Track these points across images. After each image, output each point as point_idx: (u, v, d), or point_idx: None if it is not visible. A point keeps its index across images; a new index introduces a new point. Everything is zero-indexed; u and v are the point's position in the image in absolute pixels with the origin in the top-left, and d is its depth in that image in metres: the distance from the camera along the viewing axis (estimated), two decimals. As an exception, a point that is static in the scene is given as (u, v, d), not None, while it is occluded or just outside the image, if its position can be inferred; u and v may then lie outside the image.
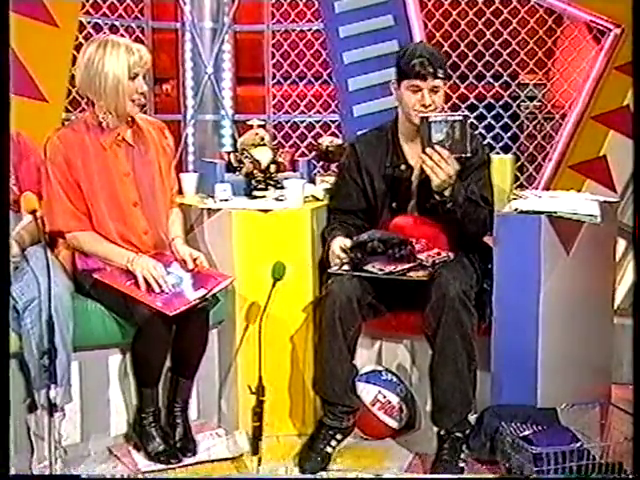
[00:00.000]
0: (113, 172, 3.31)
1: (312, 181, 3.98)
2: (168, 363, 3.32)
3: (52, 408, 2.88)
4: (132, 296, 3.17)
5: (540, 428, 3.09)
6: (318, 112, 4.95)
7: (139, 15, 4.81)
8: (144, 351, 3.23)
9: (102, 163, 3.30)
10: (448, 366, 3.18)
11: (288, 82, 4.96)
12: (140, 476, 3.19)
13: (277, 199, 3.61)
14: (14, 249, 3.11)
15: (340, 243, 3.35)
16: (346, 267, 3.31)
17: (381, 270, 3.24)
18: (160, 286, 3.18)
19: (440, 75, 3.33)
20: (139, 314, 3.16)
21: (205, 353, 3.36)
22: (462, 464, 3.19)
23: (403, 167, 3.45)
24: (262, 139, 3.83)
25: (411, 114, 3.37)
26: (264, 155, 3.76)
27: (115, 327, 3.28)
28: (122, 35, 4.68)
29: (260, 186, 3.72)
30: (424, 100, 3.33)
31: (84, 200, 3.29)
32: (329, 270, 3.35)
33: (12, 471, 2.83)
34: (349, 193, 3.52)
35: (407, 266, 3.24)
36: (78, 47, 4.47)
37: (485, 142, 4.66)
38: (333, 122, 4.89)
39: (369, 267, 3.26)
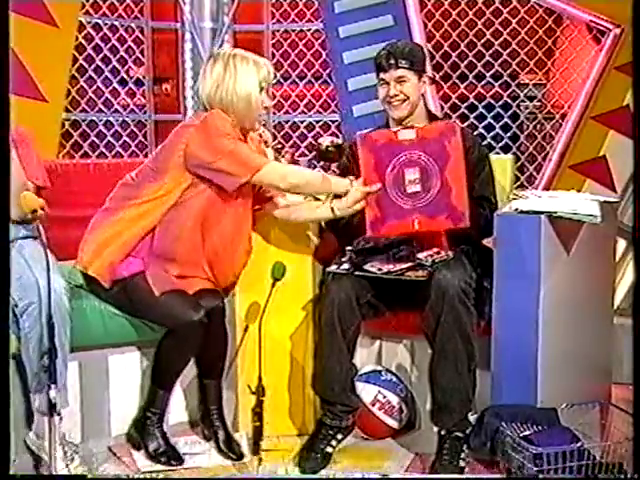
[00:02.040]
0: None
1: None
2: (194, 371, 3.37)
3: (52, 408, 2.88)
4: (169, 301, 3.17)
5: (540, 428, 3.08)
6: (318, 112, 4.96)
7: (139, 15, 4.81)
8: (172, 354, 3.22)
9: None
10: (448, 365, 3.18)
11: (288, 82, 4.96)
12: (140, 476, 3.19)
13: (277, 199, 3.60)
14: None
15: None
16: (345, 266, 3.31)
17: (380, 270, 3.24)
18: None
19: (403, 65, 3.40)
20: (175, 320, 3.16)
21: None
22: (463, 463, 3.19)
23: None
24: (266, 142, 3.83)
25: (386, 107, 3.48)
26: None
27: (114, 327, 3.29)
28: (122, 35, 4.70)
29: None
30: (390, 91, 3.42)
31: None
32: (328, 269, 3.36)
33: (12, 471, 2.83)
34: None
35: (405, 266, 3.24)
36: (78, 47, 4.53)
37: (485, 142, 4.66)
38: (333, 122, 4.90)
39: (368, 267, 3.26)
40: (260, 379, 3.13)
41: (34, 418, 3.12)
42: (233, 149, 3.18)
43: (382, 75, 3.43)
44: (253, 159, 3.22)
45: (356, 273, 3.27)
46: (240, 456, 3.31)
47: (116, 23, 4.67)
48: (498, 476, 3.11)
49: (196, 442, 3.42)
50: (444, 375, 3.19)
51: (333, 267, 3.33)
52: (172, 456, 3.25)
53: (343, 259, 3.33)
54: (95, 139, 4.74)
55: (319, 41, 4.86)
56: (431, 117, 3.54)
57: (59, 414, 3.07)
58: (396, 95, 3.42)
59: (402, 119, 3.46)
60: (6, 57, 2.68)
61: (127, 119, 4.86)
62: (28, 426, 3.15)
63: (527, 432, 3.06)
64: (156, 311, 3.20)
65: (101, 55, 4.68)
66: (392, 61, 3.40)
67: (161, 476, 3.19)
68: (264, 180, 3.24)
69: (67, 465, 3.02)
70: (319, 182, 3.29)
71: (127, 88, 4.89)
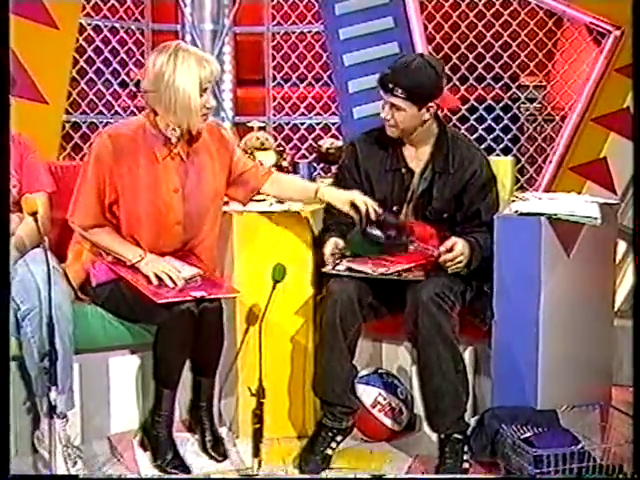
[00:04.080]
0: (162, 187, 3.22)
1: (312, 183, 3.97)
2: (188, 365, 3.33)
3: (52, 410, 2.88)
4: (155, 298, 3.11)
5: (540, 430, 3.08)
6: (318, 114, 4.96)
7: (139, 17, 4.82)
8: (165, 351, 3.20)
9: (152, 176, 3.21)
10: (433, 370, 3.18)
11: (288, 84, 4.97)
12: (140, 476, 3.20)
13: (277, 201, 3.60)
14: (13, 254, 3.08)
15: (332, 245, 3.34)
16: (341, 267, 3.31)
17: (374, 271, 3.24)
18: (172, 280, 3.15)
19: (398, 94, 3.25)
20: (161, 315, 3.13)
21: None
22: (466, 465, 3.19)
23: (403, 170, 3.43)
24: (262, 144, 3.83)
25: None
26: (268, 159, 3.76)
27: (115, 330, 3.29)
28: (122, 37, 4.70)
29: (258, 190, 3.72)
30: (382, 114, 3.32)
31: (113, 206, 3.24)
32: (323, 270, 3.35)
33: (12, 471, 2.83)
34: None
35: (400, 268, 3.24)
36: (78, 49, 4.53)
37: (485, 144, 4.66)
38: (333, 124, 4.90)
39: (363, 267, 3.26)
40: (260, 381, 3.12)
41: (40, 421, 3.12)
42: (80, 190, 3.23)
43: (382, 95, 3.31)
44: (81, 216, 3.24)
45: (352, 274, 3.27)
46: (224, 457, 3.31)
47: (117, 25, 4.68)
48: (495, 476, 3.11)
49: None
50: (430, 379, 3.19)
51: (328, 267, 3.33)
52: (179, 466, 3.21)
53: (338, 260, 3.33)
54: (96, 141, 4.74)
55: (320, 43, 4.87)
56: (440, 127, 3.43)
57: (65, 416, 3.09)
58: (388, 120, 3.32)
59: (395, 138, 3.40)
60: (6, 59, 2.68)
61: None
62: (35, 429, 3.15)
63: (527, 434, 3.06)
64: (143, 309, 3.17)
65: (102, 57, 4.69)
66: (390, 85, 3.26)
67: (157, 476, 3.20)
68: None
69: (68, 469, 3.01)
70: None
71: (128, 90, 4.90)
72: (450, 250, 3.23)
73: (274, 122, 4.96)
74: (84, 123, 4.69)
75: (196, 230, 3.31)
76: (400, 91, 3.25)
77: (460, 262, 3.23)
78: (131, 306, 3.22)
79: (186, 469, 3.22)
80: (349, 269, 3.28)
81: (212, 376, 3.37)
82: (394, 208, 3.43)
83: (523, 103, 4.81)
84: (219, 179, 3.35)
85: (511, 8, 4.61)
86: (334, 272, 3.30)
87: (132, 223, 3.24)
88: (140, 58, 4.78)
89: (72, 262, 3.33)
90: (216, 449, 3.34)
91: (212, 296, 3.21)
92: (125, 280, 3.21)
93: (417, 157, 3.42)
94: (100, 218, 3.25)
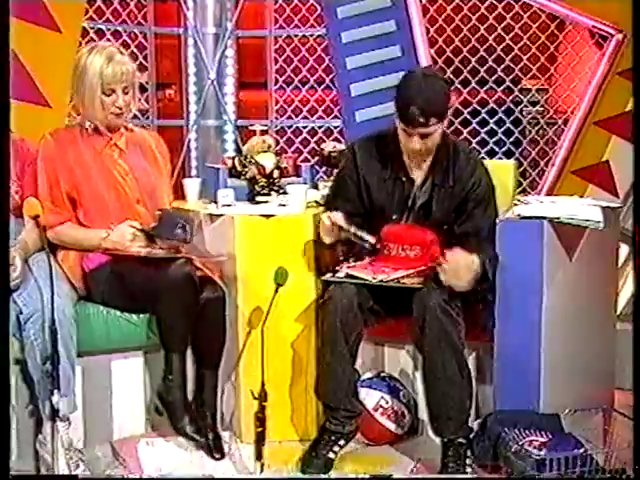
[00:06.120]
0: (113, 172, 3.34)
1: (315, 187, 3.98)
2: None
3: (55, 413, 2.88)
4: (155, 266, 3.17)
5: (543, 434, 3.08)
6: (321, 117, 4.96)
7: (142, 21, 4.81)
8: (169, 312, 3.19)
9: (100, 165, 3.33)
10: (438, 375, 3.17)
11: (291, 87, 4.97)
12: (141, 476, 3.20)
13: (280, 204, 3.61)
14: (17, 264, 3.07)
15: (327, 214, 3.33)
16: (340, 274, 3.31)
17: (374, 278, 3.24)
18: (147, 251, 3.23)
19: (432, 123, 3.17)
20: (164, 278, 3.14)
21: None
22: (469, 469, 3.19)
23: (404, 179, 3.38)
24: (269, 147, 3.84)
25: (405, 151, 3.32)
26: (269, 161, 3.76)
27: (118, 332, 3.30)
28: (125, 41, 4.69)
29: (263, 191, 3.73)
30: (415, 145, 3.24)
31: (72, 200, 3.31)
32: (322, 278, 3.36)
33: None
34: (348, 198, 3.46)
35: (400, 274, 3.24)
36: (81, 53, 4.53)
37: (487, 147, 4.66)
38: (336, 127, 4.89)
39: (363, 274, 3.26)
40: (263, 384, 3.13)
41: (43, 424, 3.12)
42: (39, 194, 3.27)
43: (409, 129, 3.20)
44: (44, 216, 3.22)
45: (350, 281, 3.26)
46: (223, 455, 3.31)
47: (119, 29, 4.68)
48: (497, 476, 3.11)
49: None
50: (436, 385, 3.18)
51: (328, 275, 3.34)
52: (197, 431, 3.25)
53: (338, 267, 3.33)
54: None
55: (322, 46, 4.87)
56: (444, 137, 3.36)
57: (67, 419, 3.09)
58: (420, 149, 3.25)
59: (396, 145, 3.34)
60: (6, 62, 2.69)
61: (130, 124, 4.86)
62: (38, 432, 3.15)
63: (530, 438, 3.05)
64: (144, 283, 3.20)
65: (104, 61, 4.68)
66: (422, 120, 3.15)
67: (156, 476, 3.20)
68: None
69: (71, 472, 3.02)
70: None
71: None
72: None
73: (276, 125, 4.96)
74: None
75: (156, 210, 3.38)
76: (434, 119, 3.19)
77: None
78: (131, 288, 3.24)
79: (203, 435, 3.26)
80: (348, 276, 3.28)
81: (215, 369, 3.37)
82: (394, 217, 3.40)
83: (525, 106, 4.81)
84: (163, 176, 3.50)
85: (513, 11, 4.61)
86: (334, 279, 3.31)
87: (99, 206, 3.32)
88: (143, 62, 4.77)
89: (65, 255, 3.33)
90: (217, 447, 3.33)
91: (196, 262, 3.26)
92: (117, 263, 3.24)
93: (418, 166, 3.35)
94: (63, 211, 3.31)
